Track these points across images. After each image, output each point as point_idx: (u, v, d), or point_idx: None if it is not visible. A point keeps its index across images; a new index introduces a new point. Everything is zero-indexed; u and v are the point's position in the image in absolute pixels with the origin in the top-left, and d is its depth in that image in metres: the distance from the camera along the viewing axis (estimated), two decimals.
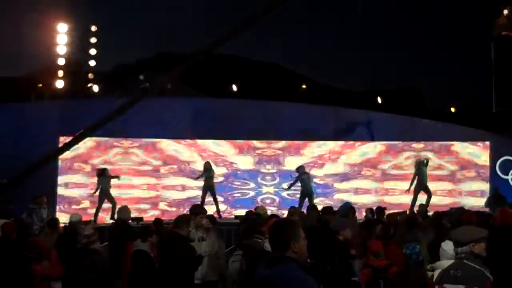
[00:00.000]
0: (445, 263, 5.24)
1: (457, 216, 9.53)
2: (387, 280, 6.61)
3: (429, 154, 17.89)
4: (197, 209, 8.21)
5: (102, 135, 15.67)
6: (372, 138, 18.57)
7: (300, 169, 16.54)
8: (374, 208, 13.01)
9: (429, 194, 16.50)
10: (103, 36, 23.51)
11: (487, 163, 18.52)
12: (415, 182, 16.61)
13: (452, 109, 33.84)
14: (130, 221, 10.71)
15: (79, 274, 5.72)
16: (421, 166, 16.75)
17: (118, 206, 12.77)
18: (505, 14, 29.82)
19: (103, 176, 15.64)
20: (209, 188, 16.14)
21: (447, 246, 5.67)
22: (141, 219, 15.05)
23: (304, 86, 31.37)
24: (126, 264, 8.40)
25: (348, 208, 10.82)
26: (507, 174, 18.63)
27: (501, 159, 18.60)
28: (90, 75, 22.24)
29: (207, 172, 16.25)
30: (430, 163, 16.99)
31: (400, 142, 18.42)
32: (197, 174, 16.61)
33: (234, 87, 30.90)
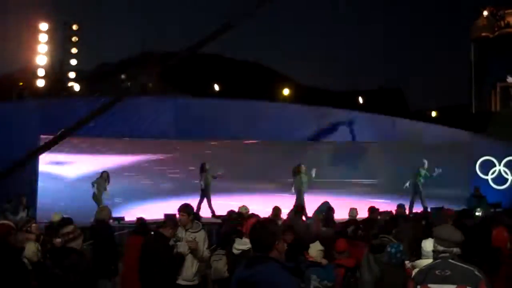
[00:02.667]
0: (425, 261, 5.28)
1: (437, 215, 9.63)
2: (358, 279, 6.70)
3: (410, 154, 18.01)
4: (180, 207, 7.66)
5: (83, 134, 15.52)
6: (353, 137, 18.66)
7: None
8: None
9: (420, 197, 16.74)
10: (85, 35, 23.38)
11: (467, 163, 18.70)
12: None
13: (434, 113, 34.07)
14: (111, 220, 10.63)
15: (64, 275, 5.58)
16: (419, 169, 16.88)
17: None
18: (484, 16, 30.25)
19: (100, 178, 15.68)
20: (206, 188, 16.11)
21: (425, 244, 5.71)
22: (122, 218, 14.97)
23: (286, 88, 31.39)
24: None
25: (326, 208, 10.87)
26: (486, 174, 18.82)
27: (481, 159, 18.79)
28: (71, 74, 22.05)
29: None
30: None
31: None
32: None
33: (216, 87, 30.85)
